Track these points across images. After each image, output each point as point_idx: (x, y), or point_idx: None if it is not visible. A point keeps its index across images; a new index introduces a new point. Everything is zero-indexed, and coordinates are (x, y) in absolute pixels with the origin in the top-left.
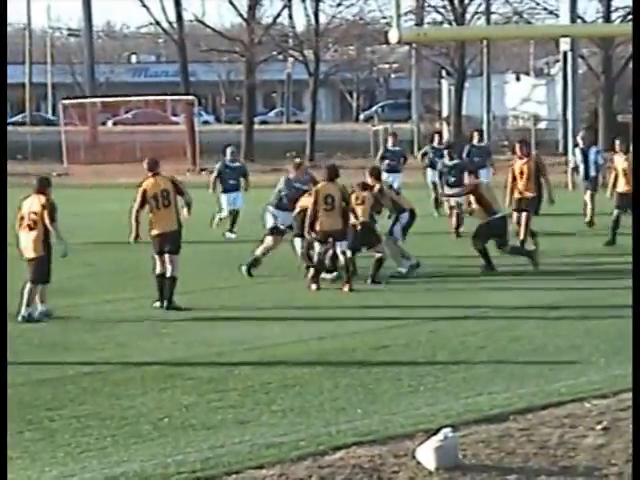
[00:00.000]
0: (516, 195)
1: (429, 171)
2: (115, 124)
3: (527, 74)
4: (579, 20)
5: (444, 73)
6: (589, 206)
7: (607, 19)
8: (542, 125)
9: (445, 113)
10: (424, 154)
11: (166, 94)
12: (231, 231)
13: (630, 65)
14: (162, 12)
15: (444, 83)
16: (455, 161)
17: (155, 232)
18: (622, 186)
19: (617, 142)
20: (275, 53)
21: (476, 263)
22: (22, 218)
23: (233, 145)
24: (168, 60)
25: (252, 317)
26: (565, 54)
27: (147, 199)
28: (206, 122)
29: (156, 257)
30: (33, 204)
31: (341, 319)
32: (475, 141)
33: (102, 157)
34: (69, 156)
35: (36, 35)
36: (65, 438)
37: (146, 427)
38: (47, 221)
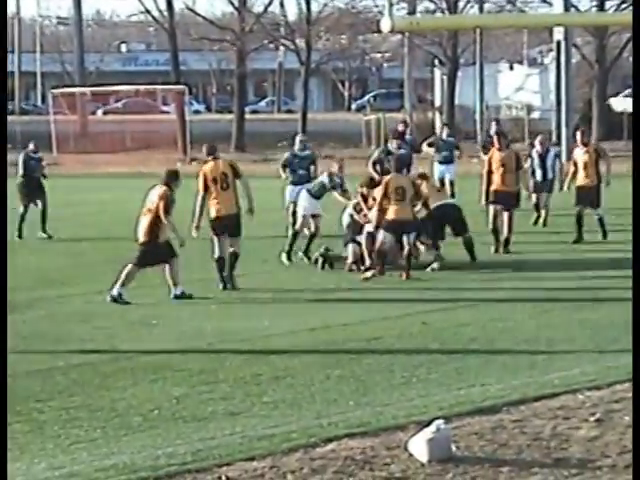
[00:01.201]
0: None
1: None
2: (105, 113)
3: (520, 63)
4: (573, 9)
5: (437, 62)
6: (542, 208)
7: (601, 8)
8: (535, 115)
9: (438, 103)
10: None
11: (156, 83)
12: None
13: (624, 54)
14: (152, 0)
15: (437, 72)
16: (400, 151)
17: (215, 215)
18: (581, 180)
19: (578, 135)
20: (266, 42)
21: (466, 254)
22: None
23: (284, 135)
24: (158, 49)
25: (243, 308)
26: (559, 43)
27: (208, 183)
28: (197, 111)
29: (215, 240)
30: (153, 193)
31: (332, 311)
32: (444, 135)
33: (92, 146)
34: (59, 145)
35: (25, 23)
36: (54, 430)
37: (136, 419)
38: (161, 212)
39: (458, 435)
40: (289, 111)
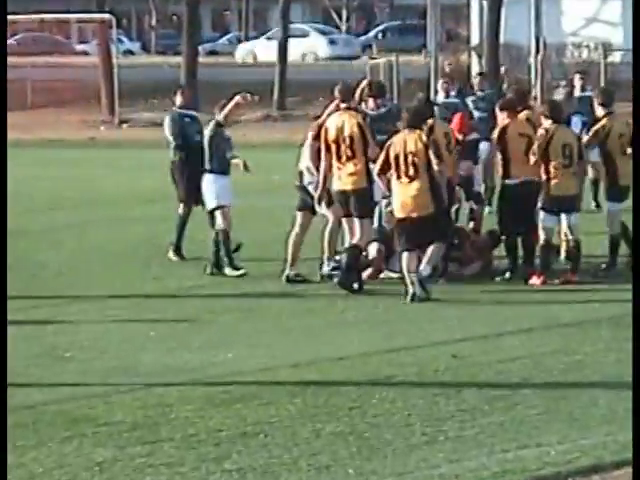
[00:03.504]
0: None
1: None
2: None
3: None
4: None
5: None
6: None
7: None
8: (616, 57)
9: (475, 40)
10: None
11: (70, 11)
12: None
13: None
14: None
15: None
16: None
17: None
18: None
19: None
20: None
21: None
22: None
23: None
24: None
25: (196, 334)
26: None
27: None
28: (129, 52)
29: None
30: None
31: (324, 339)
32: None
33: None
34: None
35: None
36: None
37: None
38: None
39: None
40: None
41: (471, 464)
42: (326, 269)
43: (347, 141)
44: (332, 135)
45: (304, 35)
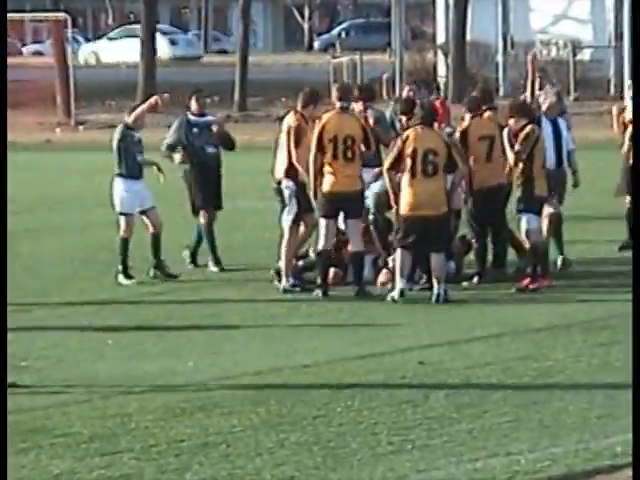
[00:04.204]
0: None
1: None
2: None
3: None
4: None
5: None
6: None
7: None
8: (585, 55)
9: (441, 38)
10: None
11: (24, 10)
12: None
13: None
14: None
15: None
16: None
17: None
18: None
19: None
20: None
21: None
22: None
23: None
24: None
25: (155, 341)
26: None
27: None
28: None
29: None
30: None
31: (287, 346)
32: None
33: None
34: None
35: None
36: None
37: None
38: None
39: None
40: (222, 51)
41: (439, 473)
42: (286, 284)
43: (348, 142)
44: (329, 135)
45: None
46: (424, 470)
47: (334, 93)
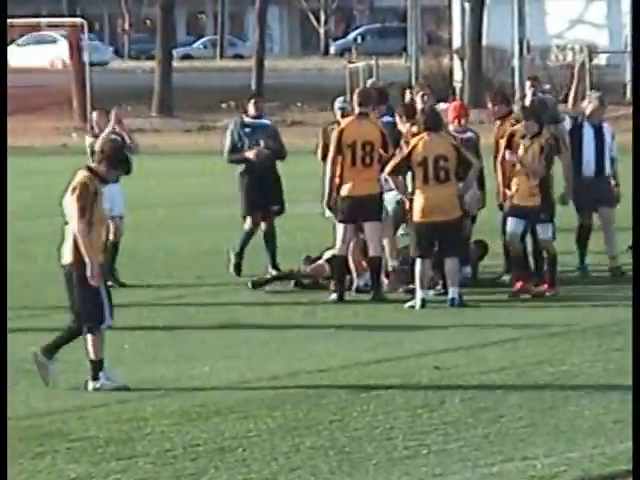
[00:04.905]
0: None
1: None
2: None
3: None
4: None
5: None
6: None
7: None
8: (601, 60)
9: (457, 43)
10: None
11: (41, 15)
12: None
13: None
14: None
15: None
16: None
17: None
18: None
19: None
20: None
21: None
22: None
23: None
24: None
25: (171, 346)
26: None
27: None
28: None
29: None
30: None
31: (303, 351)
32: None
33: None
34: None
35: None
36: None
37: None
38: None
39: None
40: (237, 56)
41: (455, 478)
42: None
43: (366, 148)
44: (348, 140)
45: (53, 41)
46: (440, 475)
47: (354, 98)
